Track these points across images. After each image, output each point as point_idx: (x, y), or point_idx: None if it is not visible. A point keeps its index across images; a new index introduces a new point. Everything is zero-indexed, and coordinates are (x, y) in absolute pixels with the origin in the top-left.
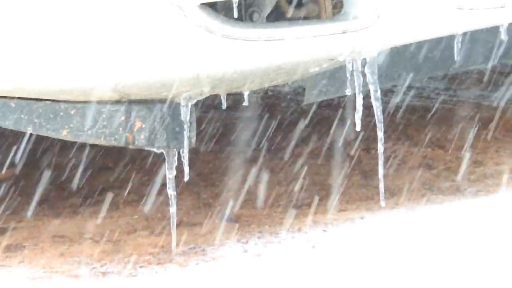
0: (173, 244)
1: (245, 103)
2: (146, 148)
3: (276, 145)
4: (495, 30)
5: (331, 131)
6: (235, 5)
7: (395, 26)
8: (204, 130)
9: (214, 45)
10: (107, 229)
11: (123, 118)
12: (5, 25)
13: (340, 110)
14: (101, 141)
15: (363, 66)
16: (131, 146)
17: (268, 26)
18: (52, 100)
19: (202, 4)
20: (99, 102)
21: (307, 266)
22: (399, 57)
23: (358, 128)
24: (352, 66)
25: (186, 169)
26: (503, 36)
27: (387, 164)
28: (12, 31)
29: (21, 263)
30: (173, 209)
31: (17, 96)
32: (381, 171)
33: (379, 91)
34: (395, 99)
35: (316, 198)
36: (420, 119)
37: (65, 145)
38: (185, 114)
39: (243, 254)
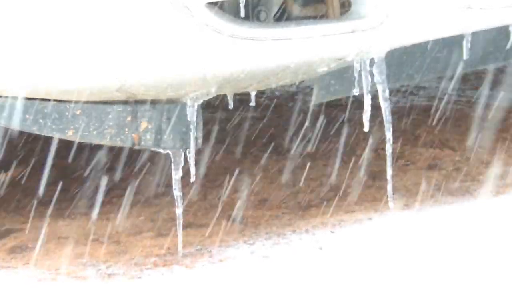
0: (179, 245)
1: (252, 103)
2: (152, 149)
3: (283, 145)
4: (504, 29)
5: (339, 132)
6: (242, 5)
7: (404, 26)
8: (210, 130)
9: (221, 45)
10: (112, 230)
11: (129, 118)
12: (10, 25)
13: (348, 110)
14: (107, 142)
15: (371, 66)
16: (137, 147)
17: (275, 26)
18: (58, 100)
19: (209, 3)
20: (105, 103)
21: (315, 267)
22: (408, 57)
23: (366, 128)
24: (360, 66)
25: (193, 169)
26: None
27: (395, 165)
28: (18, 31)
29: (26, 265)
30: (179, 210)
31: (22, 96)
32: (389, 171)
33: (387, 91)
34: (404, 99)
35: (324, 199)
36: (429, 119)
37: (71, 146)
38: (192, 115)
39: (250, 256)
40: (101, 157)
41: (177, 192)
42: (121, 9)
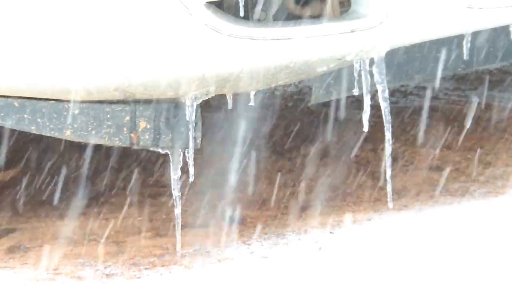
0: (178, 245)
1: (251, 103)
2: (151, 149)
3: (282, 145)
4: (504, 29)
5: (339, 132)
6: (241, 4)
7: (404, 25)
8: (209, 130)
9: (220, 44)
10: (111, 230)
11: (127, 118)
12: (8, 23)
13: (347, 110)
14: (105, 141)
15: (371, 66)
16: (135, 147)
17: (274, 25)
18: (56, 100)
19: (208, 2)
20: (104, 102)
21: (314, 268)
22: (408, 57)
23: (365, 128)
24: (360, 65)
25: (191, 169)
26: None
27: (395, 165)
28: (16, 29)
29: (24, 265)
30: (177, 210)
31: (20, 95)
32: (388, 172)
33: (387, 91)
34: (404, 99)
35: (323, 200)
36: (429, 119)
37: (69, 146)
38: (191, 114)
39: (249, 256)
40: (99, 157)
41: (176, 192)
42: (119, 8)
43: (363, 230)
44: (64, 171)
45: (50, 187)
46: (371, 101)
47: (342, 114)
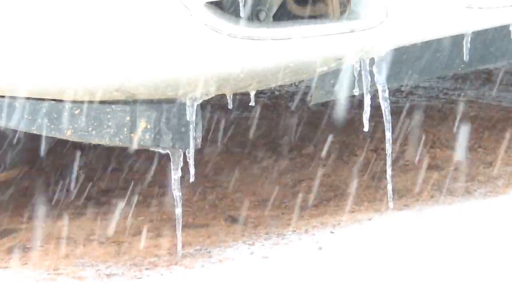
0: (179, 245)
1: (252, 103)
2: (152, 149)
3: (282, 145)
4: (504, 29)
5: (339, 131)
6: (241, 4)
7: (403, 25)
8: (210, 130)
9: (220, 44)
10: (112, 230)
11: (128, 118)
12: (8, 22)
13: (348, 110)
14: (106, 142)
15: (371, 65)
16: (136, 147)
17: (275, 25)
18: (56, 100)
19: (208, 3)
20: (104, 102)
21: (314, 268)
22: (408, 57)
23: (365, 128)
24: (360, 65)
25: (192, 169)
26: None
27: (395, 165)
28: (16, 28)
29: (25, 265)
30: (178, 211)
31: (20, 95)
32: (389, 171)
33: (387, 91)
34: (404, 99)
35: (324, 199)
36: (429, 119)
37: (70, 146)
38: (191, 114)
39: (249, 256)
40: (100, 157)
41: (176, 192)
42: (120, 8)
43: (363, 229)
44: (64, 171)
45: (50, 187)
46: (371, 101)
47: (342, 114)
